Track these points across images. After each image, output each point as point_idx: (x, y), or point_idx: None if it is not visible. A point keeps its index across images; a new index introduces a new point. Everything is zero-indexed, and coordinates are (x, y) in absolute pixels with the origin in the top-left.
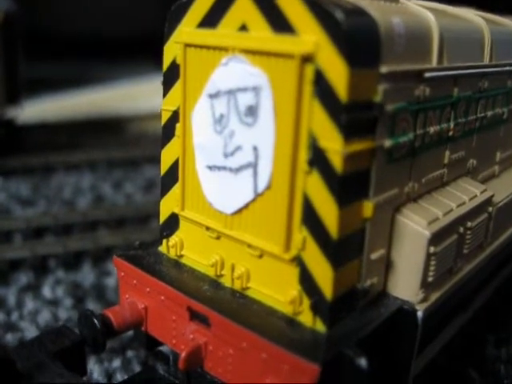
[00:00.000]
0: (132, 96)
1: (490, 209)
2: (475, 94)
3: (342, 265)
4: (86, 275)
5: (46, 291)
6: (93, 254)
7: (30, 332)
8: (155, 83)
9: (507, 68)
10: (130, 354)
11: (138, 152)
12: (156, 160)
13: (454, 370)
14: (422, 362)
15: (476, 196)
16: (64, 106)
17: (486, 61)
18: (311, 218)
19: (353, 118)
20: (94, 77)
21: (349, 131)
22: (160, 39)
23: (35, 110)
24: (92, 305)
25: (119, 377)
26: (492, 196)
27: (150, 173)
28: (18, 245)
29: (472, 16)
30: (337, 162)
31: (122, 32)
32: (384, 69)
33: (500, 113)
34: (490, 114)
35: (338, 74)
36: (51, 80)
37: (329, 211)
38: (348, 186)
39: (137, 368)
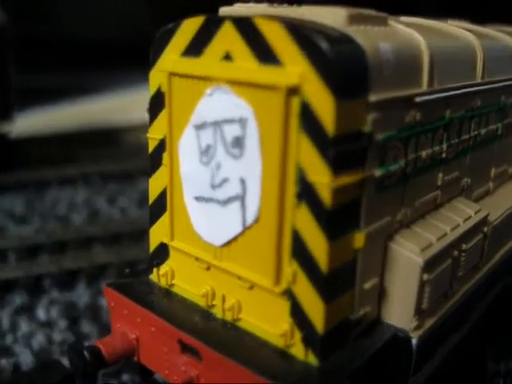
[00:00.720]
0: (126, 107)
1: (485, 229)
2: (468, 113)
3: (333, 298)
4: (81, 295)
5: (41, 313)
6: (87, 273)
7: (25, 356)
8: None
9: (500, 84)
10: (125, 377)
11: (133, 164)
12: None
13: None
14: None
15: (470, 217)
16: (56, 118)
17: (479, 79)
18: (301, 252)
19: (341, 150)
20: (86, 87)
21: (337, 164)
22: None
23: (27, 122)
24: (87, 326)
25: None
26: (487, 215)
27: (144, 185)
28: (11, 264)
29: (463, 33)
30: (325, 195)
31: (115, 41)
32: (372, 97)
33: (494, 129)
34: (483, 131)
35: (324, 106)
36: (42, 91)
37: (318, 245)
38: (338, 219)
39: None
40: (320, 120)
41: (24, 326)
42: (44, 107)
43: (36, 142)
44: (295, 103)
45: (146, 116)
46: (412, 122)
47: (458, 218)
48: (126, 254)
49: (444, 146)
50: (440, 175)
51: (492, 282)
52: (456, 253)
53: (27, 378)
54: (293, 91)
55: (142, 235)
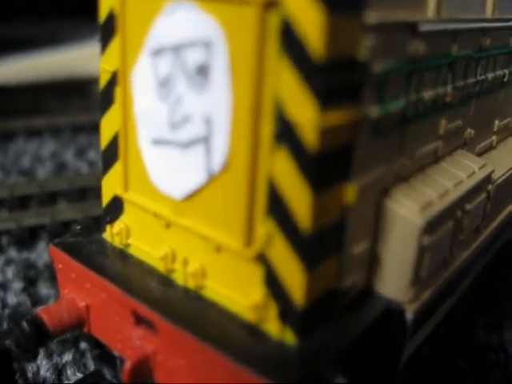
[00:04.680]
0: (98, 57)
1: (490, 187)
2: (476, 53)
3: (316, 264)
4: (41, 254)
5: None
6: (50, 230)
7: None
8: None
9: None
10: (83, 345)
11: None
12: None
13: (440, 359)
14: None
15: (474, 173)
16: (27, 68)
17: (489, 15)
18: (278, 207)
19: (331, 80)
20: (59, 35)
21: (326, 98)
22: None
23: None
24: (45, 288)
25: (69, 372)
26: (492, 172)
27: None
28: None
29: None
30: (310, 137)
31: None
32: (371, 18)
33: (501, 75)
34: (490, 76)
35: (311, 23)
36: (13, 40)
37: (300, 199)
38: (324, 167)
39: (90, 362)
40: (305, 40)
41: None
42: (13, 57)
43: (4, 92)
44: (274, 20)
45: None
46: (415, 55)
47: (460, 173)
48: (93, 211)
49: (448, 89)
50: (442, 122)
51: (490, 247)
52: (459, 213)
53: None
54: (270, 4)
55: None
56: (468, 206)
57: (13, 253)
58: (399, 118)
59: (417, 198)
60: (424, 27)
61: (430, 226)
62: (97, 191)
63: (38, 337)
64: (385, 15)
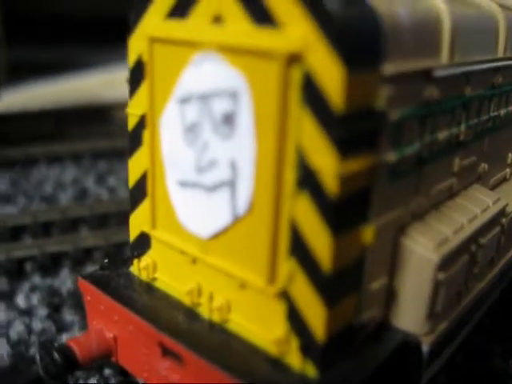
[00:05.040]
0: (119, 82)
1: (504, 220)
2: (488, 91)
3: (336, 302)
4: (64, 280)
5: (20, 299)
6: (72, 257)
7: (0, 347)
8: None
9: None
10: (107, 371)
11: (124, 142)
12: None
13: None
14: None
15: (488, 207)
16: (47, 94)
17: (501, 53)
18: (300, 248)
19: (350, 130)
20: (78, 62)
21: (345, 147)
22: None
23: (16, 97)
24: (69, 315)
25: None
26: (506, 206)
27: None
28: None
29: (486, 2)
30: (331, 184)
31: (108, 14)
32: (387, 69)
33: None
34: (503, 112)
35: (331, 77)
36: (33, 65)
37: (321, 241)
38: (344, 211)
39: None
40: (326, 94)
41: (1, 315)
42: (34, 82)
43: (24, 118)
44: (296, 73)
45: None
46: (429, 99)
47: (475, 208)
48: (114, 238)
49: (462, 128)
50: (457, 160)
51: (504, 276)
52: (473, 248)
53: None
54: (294, 59)
55: None
56: (482, 240)
57: (37, 279)
58: (415, 160)
59: (432, 235)
60: (438, 73)
61: (445, 262)
62: (117, 218)
63: (68, 366)
64: (400, 65)
